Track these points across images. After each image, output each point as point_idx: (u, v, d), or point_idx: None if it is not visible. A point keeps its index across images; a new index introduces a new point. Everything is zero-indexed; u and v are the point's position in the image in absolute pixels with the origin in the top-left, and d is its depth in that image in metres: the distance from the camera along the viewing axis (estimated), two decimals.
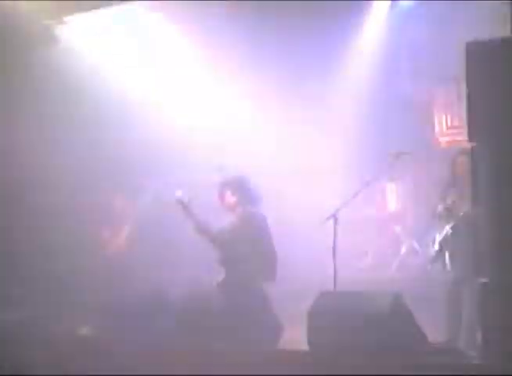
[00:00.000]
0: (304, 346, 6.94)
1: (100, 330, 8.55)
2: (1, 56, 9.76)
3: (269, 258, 8.14)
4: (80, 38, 10.43)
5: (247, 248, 8.04)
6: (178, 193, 8.19)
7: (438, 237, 8.28)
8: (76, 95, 10.18)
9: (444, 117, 11.36)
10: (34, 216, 9.82)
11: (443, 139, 11.36)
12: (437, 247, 8.26)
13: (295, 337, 7.47)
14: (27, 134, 9.70)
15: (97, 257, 9.67)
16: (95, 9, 10.22)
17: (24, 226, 9.73)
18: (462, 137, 9.92)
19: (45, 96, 10.02)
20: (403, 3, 11.18)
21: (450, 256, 8.13)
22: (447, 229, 8.24)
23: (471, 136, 6.19)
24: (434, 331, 7.07)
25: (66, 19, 10.27)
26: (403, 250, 10.56)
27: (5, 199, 9.71)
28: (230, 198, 8.29)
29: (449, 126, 11.32)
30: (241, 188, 8.29)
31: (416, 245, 10.47)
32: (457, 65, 6.84)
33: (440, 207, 8.63)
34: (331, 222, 7.65)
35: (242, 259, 8.00)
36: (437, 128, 11.44)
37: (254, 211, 8.23)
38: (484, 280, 6.02)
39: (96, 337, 8.49)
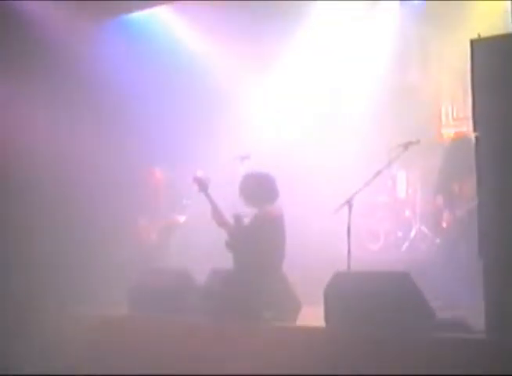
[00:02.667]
0: (321, 323, 7.06)
1: (129, 310, 8.65)
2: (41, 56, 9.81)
3: (278, 252, 8.04)
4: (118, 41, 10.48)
5: (263, 238, 7.99)
6: (199, 173, 8.20)
7: None
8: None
9: (450, 108, 11.38)
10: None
11: (449, 130, 11.38)
12: None
13: (313, 314, 7.57)
14: (64, 130, 9.70)
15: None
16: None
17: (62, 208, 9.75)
18: (467, 128, 9.99)
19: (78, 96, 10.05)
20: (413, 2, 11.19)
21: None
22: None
23: (476, 127, 6.27)
24: (441, 307, 7.13)
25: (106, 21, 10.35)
26: (413, 233, 10.61)
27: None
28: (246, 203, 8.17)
29: (455, 118, 11.34)
30: (254, 192, 8.09)
31: (424, 229, 10.52)
32: (463, 59, 6.89)
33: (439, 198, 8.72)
34: (346, 207, 7.76)
35: (252, 248, 8.01)
36: (443, 120, 11.47)
37: (270, 211, 8.06)
38: (486, 259, 6.09)
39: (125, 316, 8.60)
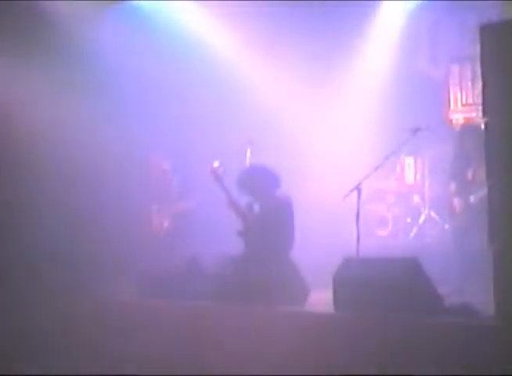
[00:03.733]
0: (330, 308, 7.05)
1: (140, 296, 8.67)
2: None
3: (288, 238, 8.10)
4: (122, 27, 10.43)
5: (271, 229, 8.03)
6: (216, 164, 8.22)
7: None
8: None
9: (459, 94, 11.34)
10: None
11: (458, 116, 11.34)
12: None
13: (322, 300, 7.57)
14: (72, 118, 9.68)
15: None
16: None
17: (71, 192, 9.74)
18: (476, 114, 9.96)
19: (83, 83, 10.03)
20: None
21: None
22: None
23: (485, 112, 6.23)
24: (450, 292, 7.12)
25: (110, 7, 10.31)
26: (421, 219, 10.58)
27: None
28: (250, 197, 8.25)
29: (464, 103, 11.29)
30: (256, 185, 8.16)
31: (433, 214, 10.50)
32: (472, 46, 6.86)
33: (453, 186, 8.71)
34: (355, 193, 7.74)
35: (265, 235, 8.03)
36: (452, 106, 11.43)
37: (278, 196, 8.15)
38: (496, 245, 6.07)
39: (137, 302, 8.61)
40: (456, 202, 8.64)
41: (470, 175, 8.49)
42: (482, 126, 6.37)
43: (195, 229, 9.72)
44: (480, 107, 6.34)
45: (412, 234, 10.50)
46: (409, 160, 10.99)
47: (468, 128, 9.22)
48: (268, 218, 8.02)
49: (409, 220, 10.73)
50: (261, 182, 8.15)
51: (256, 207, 8.20)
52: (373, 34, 11.30)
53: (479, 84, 6.37)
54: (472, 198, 8.38)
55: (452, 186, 8.75)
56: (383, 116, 10.86)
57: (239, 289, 7.69)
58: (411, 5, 11.12)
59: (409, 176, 11.06)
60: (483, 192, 7.61)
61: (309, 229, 9.18)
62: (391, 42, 11.21)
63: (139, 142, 10.04)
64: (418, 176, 10.98)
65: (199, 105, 10.65)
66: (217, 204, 9.03)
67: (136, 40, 10.29)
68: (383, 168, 8.13)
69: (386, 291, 6.63)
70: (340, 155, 10.84)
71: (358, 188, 7.73)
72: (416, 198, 10.88)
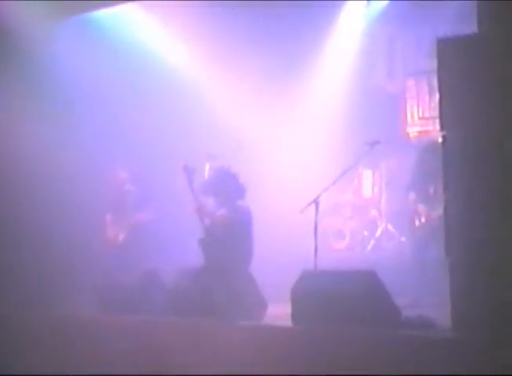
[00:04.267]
0: (287, 322, 7.03)
1: (96, 309, 8.58)
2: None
3: (248, 250, 8.15)
4: (78, 40, 10.36)
5: (233, 236, 8.05)
6: (188, 163, 8.18)
7: None
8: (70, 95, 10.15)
9: (415, 108, 11.42)
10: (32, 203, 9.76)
11: (415, 129, 11.42)
12: None
13: (279, 313, 7.54)
14: (26, 129, 9.57)
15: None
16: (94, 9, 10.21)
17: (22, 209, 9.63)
18: (432, 127, 10.04)
19: (40, 95, 9.94)
20: (377, 3, 11.21)
21: None
22: None
23: (443, 126, 6.28)
24: (407, 305, 7.14)
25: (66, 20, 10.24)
26: (378, 232, 10.63)
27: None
28: (215, 201, 8.27)
29: (421, 117, 11.38)
30: (224, 189, 8.21)
31: (390, 227, 10.55)
32: (428, 59, 6.91)
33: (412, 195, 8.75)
34: (312, 206, 7.75)
35: (226, 245, 8.03)
36: (409, 119, 11.51)
37: (240, 206, 8.18)
38: (453, 258, 6.11)
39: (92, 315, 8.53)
40: (417, 216, 8.69)
41: (431, 189, 8.54)
42: (440, 140, 6.40)
43: (152, 241, 9.65)
44: (437, 121, 6.38)
45: (369, 247, 10.54)
46: (367, 174, 11.04)
47: (426, 142, 9.28)
48: (229, 229, 8.01)
49: (366, 233, 10.77)
50: (229, 187, 8.18)
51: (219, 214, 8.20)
52: (331, 49, 11.34)
53: (436, 98, 6.41)
54: (434, 214, 8.42)
55: (412, 200, 8.80)
56: (340, 129, 10.90)
57: (198, 302, 7.65)
58: (366, 20, 11.19)
59: (367, 189, 11.11)
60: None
61: (267, 242, 9.14)
62: (348, 57, 11.27)
63: (97, 153, 9.95)
64: (375, 189, 11.03)
65: (158, 115, 10.59)
66: (175, 216, 9.04)
67: (92, 52, 10.21)
68: (341, 181, 8.15)
69: (344, 303, 6.64)
70: (298, 168, 10.84)
71: (315, 201, 7.75)
72: (374, 211, 10.92)
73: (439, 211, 8.23)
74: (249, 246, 8.08)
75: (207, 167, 8.73)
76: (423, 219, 8.60)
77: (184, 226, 9.17)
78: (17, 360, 8.26)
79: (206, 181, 8.32)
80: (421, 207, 8.65)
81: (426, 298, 7.92)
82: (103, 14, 10.55)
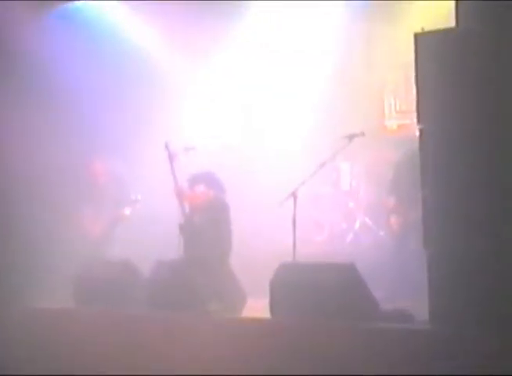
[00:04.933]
0: (266, 314, 7.06)
1: (74, 302, 8.57)
2: None
3: (227, 238, 8.24)
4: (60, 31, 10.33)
5: (213, 226, 8.11)
6: (169, 143, 8.28)
7: None
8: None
9: (393, 102, 11.47)
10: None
11: (392, 123, 11.47)
12: None
13: (258, 306, 7.58)
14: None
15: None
16: None
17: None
18: (410, 121, 10.08)
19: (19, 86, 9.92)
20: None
21: None
22: None
23: (420, 119, 6.32)
24: (386, 298, 7.18)
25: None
26: (357, 225, 10.67)
27: None
28: (204, 191, 8.36)
29: (398, 111, 11.43)
30: (215, 181, 8.40)
31: (368, 221, 10.59)
32: (405, 53, 6.94)
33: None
34: (291, 199, 7.77)
35: (206, 232, 8.08)
36: (386, 112, 11.55)
37: (224, 199, 8.35)
38: (431, 250, 6.16)
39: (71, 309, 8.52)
40: (395, 215, 8.72)
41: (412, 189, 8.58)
42: (417, 133, 6.45)
43: (130, 235, 9.66)
44: (414, 114, 6.42)
45: (348, 239, 10.58)
46: (345, 166, 11.07)
47: (404, 137, 9.31)
48: (209, 214, 8.15)
49: (344, 226, 10.80)
50: (213, 179, 8.35)
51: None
52: (309, 43, 11.35)
53: (413, 92, 6.44)
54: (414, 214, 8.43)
55: (392, 201, 8.82)
56: (319, 122, 10.94)
57: (176, 295, 7.66)
58: (345, 13, 11.22)
59: (345, 182, 11.13)
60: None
61: (246, 235, 9.17)
62: (327, 50, 11.27)
63: (77, 146, 9.93)
64: (353, 183, 11.06)
65: (138, 108, 10.58)
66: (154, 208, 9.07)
67: (72, 42, 10.20)
68: (319, 174, 8.18)
69: (322, 296, 6.68)
70: (276, 160, 10.87)
71: (294, 194, 7.78)
72: (352, 204, 10.95)
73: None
74: (228, 235, 8.14)
75: (184, 158, 8.73)
76: (401, 221, 8.62)
77: (162, 219, 9.19)
78: None
79: (192, 175, 8.41)
80: (400, 210, 8.66)
81: (404, 290, 7.96)
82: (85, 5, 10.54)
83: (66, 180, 9.73)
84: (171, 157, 8.27)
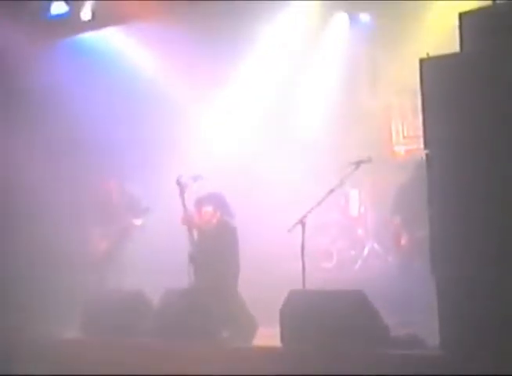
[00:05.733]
0: (277, 342, 7.03)
1: (83, 331, 8.55)
2: None
3: (236, 264, 8.24)
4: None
5: (222, 252, 8.12)
6: (181, 177, 8.32)
7: None
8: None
9: (400, 127, 11.48)
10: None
11: (400, 148, 11.48)
12: None
13: (269, 334, 7.55)
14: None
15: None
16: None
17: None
18: (417, 146, 10.07)
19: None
20: (361, 17, 11.30)
21: None
22: None
23: (427, 144, 6.33)
24: (396, 324, 7.14)
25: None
26: (366, 251, 10.64)
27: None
28: (211, 212, 8.38)
29: (405, 136, 11.44)
30: (222, 203, 8.40)
31: (376, 246, 10.56)
32: (412, 78, 6.95)
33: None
34: (299, 226, 7.75)
35: (216, 259, 8.07)
36: (394, 138, 11.56)
37: (232, 222, 8.37)
38: (438, 275, 6.14)
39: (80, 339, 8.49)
40: (403, 235, 8.70)
41: (417, 210, 8.56)
42: (424, 158, 6.45)
43: (139, 264, 9.66)
44: (421, 140, 6.43)
45: (356, 266, 10.54)
46: (354, 193, 11.05)
47: (410, 160, 9.30)
48: (217, 241, 8.18)
49: (353, 252, 10.77)
50: (220, 200, 8.39)
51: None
52: (315, 67, 11.41)
53: (420, 117, 6.45)
54: (419, 233, 8.41)
55: (397, 219, 8.81)
56: (326, 149, 10.95)
57: (187, 323, 7.64)
58: (350, 39, 11.29)
59: (353, 209, 11.11)
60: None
61: (255, 263, 9.15)
62: (333, 76, 11.32)
63: (89, 164, 10.02)
64: (362, 209, 11.04)
65: (147, 128, 10.69)
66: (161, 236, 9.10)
67: (81, 70, 10.35)
68: (327, 200, 8.17)
69: (332, 323, 6.66)
70: (284, 188, 10.87)
71: (302, 221, 7.76)
72: (360, 231, 10.93)
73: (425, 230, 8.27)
74: (236, 260, 8.15)
75: (194, 188, 8.76)
76: (407, 239, 8.61)
77: (171, 247, 9.21)
78: None
79: (200, 198, 8.46)
80: (406, 229, 8.65)
81: (414, 316, 7.92)
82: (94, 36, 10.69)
83: (77, 198, 9.81)
84: (182, 190, 8.30)
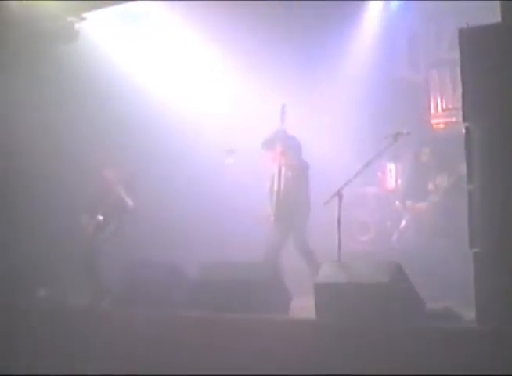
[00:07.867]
0: (312, 314, 7.03)
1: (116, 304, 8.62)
2: (25, 51, 9.82)
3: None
4: (99, 35, 10.59)
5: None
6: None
7: None
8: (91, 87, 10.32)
9: (439, 100, 11.35)
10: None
11: (438, 121, 11.36)
12: None
13: (304, 306, 7.53)
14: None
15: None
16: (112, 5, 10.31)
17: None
18: (456, 118, 9.96)
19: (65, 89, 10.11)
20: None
21: None
22: None
23: (465, 117, 6.24)
24: (432, 297, 7.10)
25: (86, 15, 10.34)
26: (403, 224, 10.55)
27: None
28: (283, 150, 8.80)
29: (444, 108, 11.30)
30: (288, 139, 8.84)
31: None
32: (450, 50, 6.86)
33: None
34: (336, 199, 7.71)
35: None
36: (433, 110, 11.43)
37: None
38: (476, 250, 6.08)
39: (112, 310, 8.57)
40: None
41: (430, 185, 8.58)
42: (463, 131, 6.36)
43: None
44: (460, 112, 6.34)
45: (393, 238, 10.46)
46: (390, 166, 10.97)
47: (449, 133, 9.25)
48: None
49: (389, 225, 10.69)
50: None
51: None
52: (353, 41, 11.31)
53: (459, 89, 6.35)
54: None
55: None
56: (364, 121, 10.85)
57: (221, 297, 7.65)
58: (388, 10, 11.16)
59: (390, 181, 11.04)
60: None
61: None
62: (371, 48, 11.22)
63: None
64: (399, 181, 10.96)
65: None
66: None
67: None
68: (364, 173, 8.12)
69: (367, 295, 6.63)
70: (322, 161, 10.80)
71: (339, 194, 7.71)
72: (397, 203, 10.83)
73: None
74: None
75: (230, 160, 8.75)
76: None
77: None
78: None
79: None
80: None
81: (450, 289, 7.87)
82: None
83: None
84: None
